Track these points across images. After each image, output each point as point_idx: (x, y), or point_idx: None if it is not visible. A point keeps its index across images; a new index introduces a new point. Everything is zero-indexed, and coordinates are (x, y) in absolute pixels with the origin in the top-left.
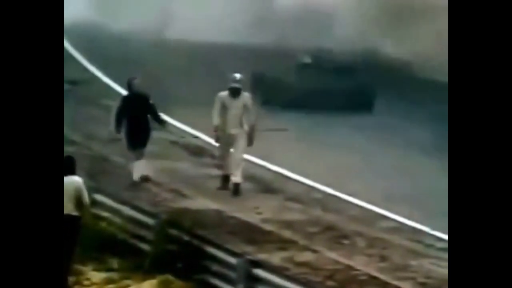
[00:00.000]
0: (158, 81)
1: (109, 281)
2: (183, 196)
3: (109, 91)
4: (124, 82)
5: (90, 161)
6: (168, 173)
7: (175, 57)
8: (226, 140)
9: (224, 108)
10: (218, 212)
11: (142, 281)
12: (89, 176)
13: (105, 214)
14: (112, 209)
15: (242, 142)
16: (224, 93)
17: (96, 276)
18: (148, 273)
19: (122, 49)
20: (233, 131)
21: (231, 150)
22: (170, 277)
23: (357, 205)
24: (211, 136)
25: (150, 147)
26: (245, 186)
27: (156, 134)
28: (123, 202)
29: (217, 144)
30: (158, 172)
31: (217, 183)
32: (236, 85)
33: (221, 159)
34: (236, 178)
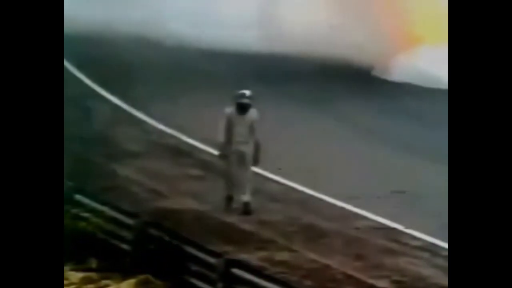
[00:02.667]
0: (138, 80)
1: (88, 280)
2: (163, 196)
3: (89, 92)
4: (103, 82)
5: (69, 161)
6: (148, 173)
7: (153, 55)
8: (232, 158)
9: (230, 125)
10: (198, 212)
11: (121, 281)
12: (69, 177)
13: (84, 214)
14: (92, 209)
15: (249, 160)
16: (231, 109)
17: (75, 275)
18: (127, 273)
19: (101, 48)
20: (242, 148)
21: (237, 168)
22: (149, 277)
23: (334, 205)
24: (196, 138)
25: (132, 147)
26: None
27: (138, 134)
28: (103, 202)
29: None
30: (138, 172)
31: (197, 182)
32: (246, 101)
33: (226, 177)
34: (245, 196)
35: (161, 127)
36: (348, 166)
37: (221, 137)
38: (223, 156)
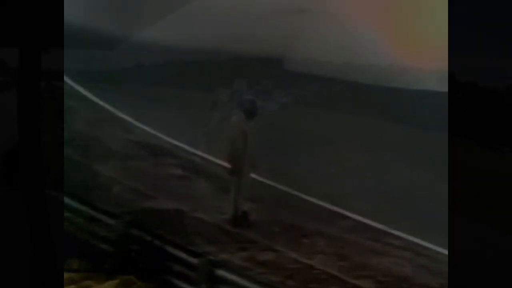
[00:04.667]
0: (123, 81)
1: (70, 281)
2: (145, 196)
3: (72, 91)
4: (87, 81)
5: None
6: (129, 173)
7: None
8: (240, 168)
9: (237, 134)
10: (180, 212)
11: (103, 281)
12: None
13: (66, 214)
14: (73, 209)
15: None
16: (237, 117)
17: None
18: (109, 274)
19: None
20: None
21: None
22: (132, 277)
23: (317, 205)
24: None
25: (114, 147)
26: (207, 185)
27: (120, 134)
28: (85, 203)
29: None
30: (120, 172)
31: (180, 182)
32: (255, 108)
33: (237, 191)
34: (244, 205)
35: (144, 127)
36: (332, 166)
37: (229, 151)
38: (235, 171)
